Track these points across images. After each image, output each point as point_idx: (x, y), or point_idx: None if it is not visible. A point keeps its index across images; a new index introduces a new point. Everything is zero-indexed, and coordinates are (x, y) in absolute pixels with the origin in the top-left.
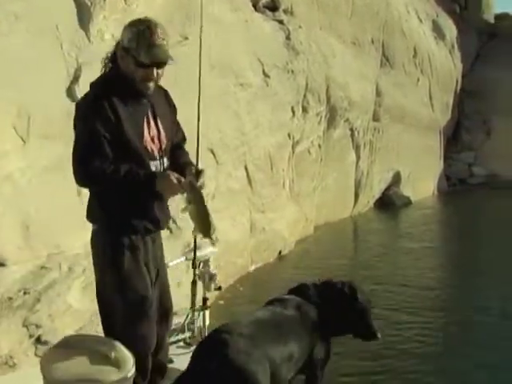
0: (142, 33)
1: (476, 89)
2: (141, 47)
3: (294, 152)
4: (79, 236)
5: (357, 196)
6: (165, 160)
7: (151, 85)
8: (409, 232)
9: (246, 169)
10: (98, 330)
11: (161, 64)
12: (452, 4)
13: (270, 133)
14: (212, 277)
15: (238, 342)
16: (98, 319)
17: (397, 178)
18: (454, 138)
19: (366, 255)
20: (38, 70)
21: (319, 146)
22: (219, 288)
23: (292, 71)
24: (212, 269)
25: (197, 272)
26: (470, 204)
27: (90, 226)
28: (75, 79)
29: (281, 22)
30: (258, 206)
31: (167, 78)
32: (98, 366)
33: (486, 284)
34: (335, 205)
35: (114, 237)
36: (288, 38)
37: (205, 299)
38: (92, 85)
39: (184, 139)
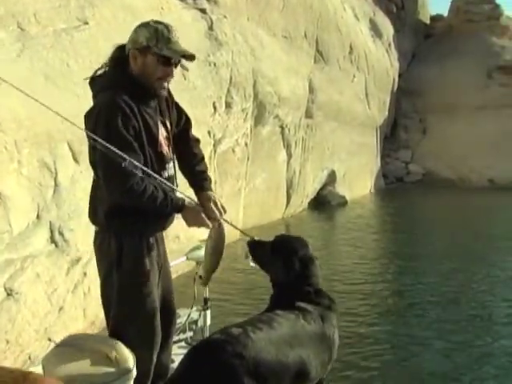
0: (161, 30)
1: (412, 88)
2: (162, 43)
3: (215, 151)
4: None
5: (289, 196)
6: (174, 160)
7: (166, 84)
8: (342, 231)
9: None
10: None
11: (186, 56)
12: (389, 4)
13: None
14: None
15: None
16: None
17: (332, 177)
18: (392, 136)
19: None
20: None
21: (246, 144)
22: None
23: (214, 64)
24: None
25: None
26: (406, 201)
27: None
28: None
29: (203, 10)
30: None
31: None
32: (99, 365)
33: (409, 271)
34: (265, 206)
35: (119, 238)
36: (210, 28)
37: (206, 299)
38: (103, 88)
39: (191, 125)
